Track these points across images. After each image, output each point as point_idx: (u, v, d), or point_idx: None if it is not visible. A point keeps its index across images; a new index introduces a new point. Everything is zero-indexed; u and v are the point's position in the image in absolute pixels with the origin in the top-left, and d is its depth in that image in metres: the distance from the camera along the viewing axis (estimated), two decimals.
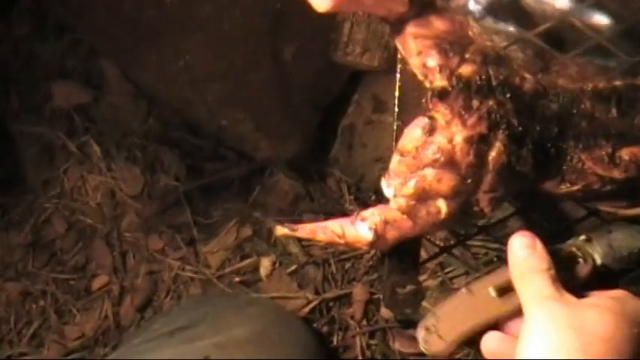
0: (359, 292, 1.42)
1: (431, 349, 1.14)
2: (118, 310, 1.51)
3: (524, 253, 0.74)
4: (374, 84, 1.32)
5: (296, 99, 1.38)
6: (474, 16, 0.94)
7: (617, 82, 0.84)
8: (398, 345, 1.40)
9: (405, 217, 0.79)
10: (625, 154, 0.81)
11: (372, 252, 1.37)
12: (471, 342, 1.21)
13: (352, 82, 1.37)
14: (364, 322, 1.42)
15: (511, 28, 1.01)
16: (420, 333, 1.13)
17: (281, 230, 0.82)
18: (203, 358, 1.16)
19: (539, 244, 0.74)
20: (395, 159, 0.79)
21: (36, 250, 1.54)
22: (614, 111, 0.82)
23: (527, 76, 0.80)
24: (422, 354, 1.37)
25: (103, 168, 1.56)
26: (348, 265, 1.45)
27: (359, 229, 0.79)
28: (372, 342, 1.42)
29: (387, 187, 0.79)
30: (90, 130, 1.58)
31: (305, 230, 0.82)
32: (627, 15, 0.89)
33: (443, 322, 1.11)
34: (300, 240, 1.45)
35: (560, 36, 1.03)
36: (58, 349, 1.49)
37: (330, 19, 1.25)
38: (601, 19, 1.03)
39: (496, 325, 0.85)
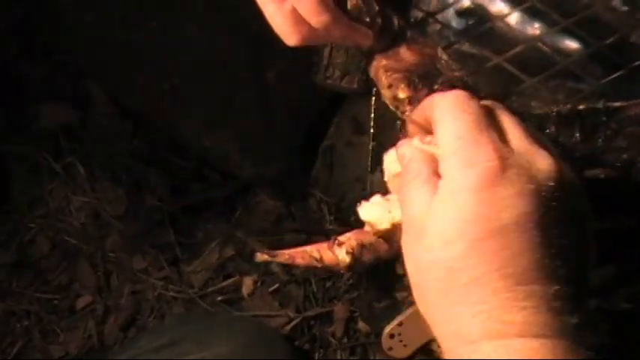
0: (340, 310, 1.44)
1: (395, 355, 1.17)
2: (102, 329, 1.52)
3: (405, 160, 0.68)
4: (354, 106, 1.34)
5: (279, 120, 1.40)
6: (449, 41, 0.97)
7: (581, 107, 0.86)
8: None
9: (381, 240, 0.81)
10: (589, 175, 0.83)
11: (352, 272, 1.39)
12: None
13: (333, 104, 1.39)
14: (345, 340, 1.44)
15: (485, 53, 1.04)
16: (385, 340, 1.16)
17: (261, 257, 0.85)
18: None
19: (418, 151, 0.67)
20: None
21: (20, 270, 1.56)
22: (577, 135, 0.85)
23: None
24: None
25: (88, 188, 1.58)
26: (328, 283, 1.47)
27: (336, 253, 0.82)
28: (353, 359, 1.43)
29: (364, 215, 0.82)
30: (75, 151, 1.59)
31: (284, 256, 0.85)
32: (593, 41, 0.92)
33: (407, 330, 1.14)
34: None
35: (533, 61, 1.06)
36: None
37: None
38: (571, 44, 1.06)
39: None
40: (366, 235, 0.82)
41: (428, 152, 0.67)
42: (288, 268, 1.49)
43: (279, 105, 1.38)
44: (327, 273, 0.82)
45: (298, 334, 1.45)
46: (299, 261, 0.84)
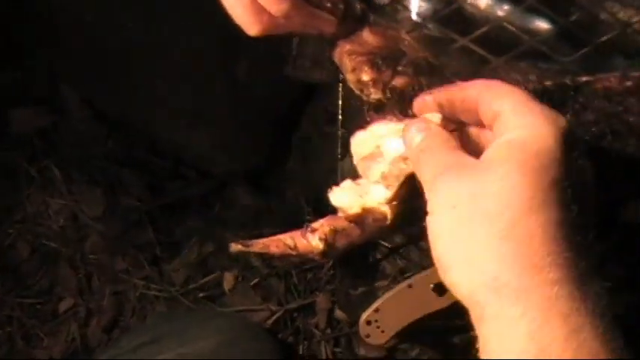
0: (322, 302, 1.44)
1: (373, 341, 1.17)
2: (85, 331, 1.52)
3: (419, 136, 0.69)
4: (326, 96, 1.34)
5: (251, 114, 1.40)
6: (414, 24, 0.97)
7: (548, 83, 0.87)
8: (363, 351, 1.41)
9: (353, 225, 0.81)
10: None
11: (332, 262, 1.39)
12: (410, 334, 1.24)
13: (305, 95, 1.39)
14: (328, 331, 1.44)
15: (451, 35, 1.04)
16: (362, 327, 1.16)
17: (235, 247, 0.85)
18: None
19: (434, 125, 0.70)
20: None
21: (1, 276, 1.55)
22: None
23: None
24: (386, 357, 1.40)
25: (65, 191, 1.58)
26: (309, 275, 1.47)
27: (310, 240, 0.82)
28: (337, 350, 1.43)
29: (334, 200, 0.83)
30: (51, 155, 1.59)
31: (258, 245, 0.85)
32: (561, 19, 0.92)
33: (384, 316, 1.14)
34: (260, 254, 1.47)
35: (502, 41, 1.06)
36: None
37: (281, 35, 1.28)
38: (540, 24, 1.06)
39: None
40: (338, 221, 0.82)
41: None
42: (268, 261, 1.49)
43: (250, 99, 1.38)
44: (303, 261, 0.82)
45: (281, 327, 1.45)
46: (273, 250, 0.84)
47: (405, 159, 0.74)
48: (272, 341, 1.35)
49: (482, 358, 0.58)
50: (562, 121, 0.63)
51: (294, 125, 1.43)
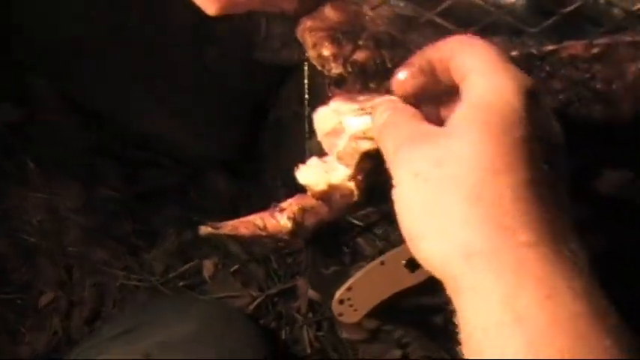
0: (302, 286, 1.44)
1: (346, 319, 1.17)
2: (68, 324, 1.51)
3: (385, 114, 0.68)
4: (297, 78, 1.34)
5: (224, 99, 1.39)
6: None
7: (514, 53, 0.86)
8: (346, 334, 1.41)
9: (320, 202, 0.81)
10: None
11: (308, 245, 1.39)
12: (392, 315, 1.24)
13: (277, 78, 1.38)
14: (310, 315, 1.43)
15: (420, 10, 1.03)
16: (335, 306, 1.16)
17: (205, 230, 0.85)
18: (144, 357, 1.16)
19: (400, 102, 0.69)
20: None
21: None
22: None
23: None
24: (371, 339, 1.40)
25: (42, 185, 1.56)
26: (289, 260, 1.47)
27: (278, 219, 0.82)
28: (320, 334, 1.43)
29: (301, 178, 0.82)
30: (26, 149, 1.57)
31: (228, 227, 0.85)
32: None
33: (356, 294, 1.14)
34: (236, 239, 1.47)
35: (472, 16, 1.06)
36: None
37: (249, 18, 1.27)
38: None
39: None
40: (306, 200, 0.82)
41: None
42: (247, 247, 1.48)
43: (222, 84, 1.37)
44: (275, 242, 0.82)
45: (263, 313, 1.45)
46: (243, 231, 0.84)
47: (359, 138, 0.74)
48: (253, 326, 1.35)
49: (461, 331, 0.57)
50: (528, 80, 0.62)
51: (267, 109, 1.42)
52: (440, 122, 0.64)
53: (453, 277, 0.57)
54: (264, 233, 0.83)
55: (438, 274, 0.59)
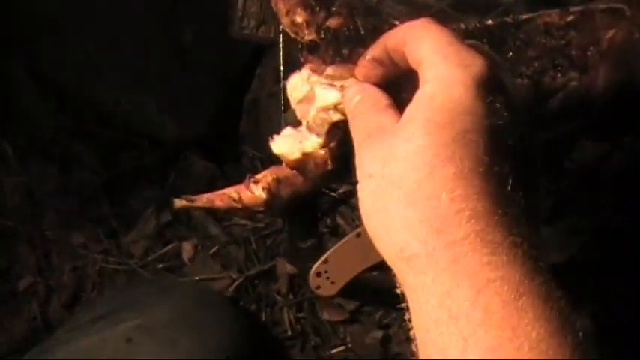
0: (282, 267, 1.43)
1: (323, 292, 1.16)
2: (46, 309, 1.50)
3: (355, 98, 0.68)
4: (274, 56, 1.33)
5: (199, 78, 1.39)
6: None
7: (489, 22, 0.86)
8: (326, 315, 1.40)
9: (295, 173, 0.80)
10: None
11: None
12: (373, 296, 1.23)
13: (253, 57, 1.38)
14: (290, 296, 1.42)
15: None
16: (312, 278, 1.16)
17: (179, 203, 0.84)
18: (126, 339, 1.16)
19: (369, 85, 0.68)
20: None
21: None
22: (486, 48, 0.84)
23: (397, 23, 0.81)
24: (350, 320, 1.40)
25: (18, 168, 1.55)
26: (269, 241, 1.46)
27: (253, 190, 0.81)
28: (300, 315, 1.42)
29: (275, 148, 0.82)
30: (2, 133, 1.56)
31: (202, 200, 0.84)
32: None
33: (333, 267, 1.14)
34: (219, 220, 1.46)
35: None
36: None
37: None
38: None
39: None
40: (281, 171, 0.81)
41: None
42: (227, 229, 1.47)
43: (198, 64, 1.37)
44: (249, 214, 0.81)
45: (243, 295, 1.44)
46: (218, 204, 0.83)
47: (327, 109, 0.73)
48: (231, 308, 1.34)
49: (413, 330, 0.57)
50: (477, 65, 0.60)
51: (244, 88, 1.41)
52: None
53: (401, 277, 0.57)
54: (239, 205, 0.82)
55: (393, 269, 0.58)
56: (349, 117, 0.68)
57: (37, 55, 1.46)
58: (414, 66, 0.63)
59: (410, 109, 0.60)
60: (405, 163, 0.58)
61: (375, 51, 0.68)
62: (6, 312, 1.50)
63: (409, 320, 0.57)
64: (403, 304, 0.59)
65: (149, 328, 1.17)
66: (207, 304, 1.29)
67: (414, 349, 0.57)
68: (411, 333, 0.57)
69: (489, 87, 0.59)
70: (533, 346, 0.51)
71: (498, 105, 0.60)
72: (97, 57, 1.36)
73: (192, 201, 0.84)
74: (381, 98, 0.66)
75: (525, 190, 0.59)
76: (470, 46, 0.63)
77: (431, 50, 0.61)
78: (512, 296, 0.52)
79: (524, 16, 0.87)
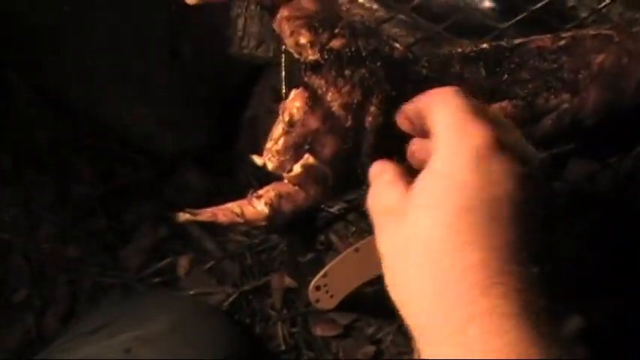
0: (276, 282, 1.44)
1: (322, 306, 1.18)
2: (41, 321, 1.50)
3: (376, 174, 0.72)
4: (273, 74, 1.35)
5: (198, 95, 1.40)
6: None
7: (485, 45, 0.88)
8: (319, 330, 1.41)
9: (296, 188, 0.83)
10: (494, 108, 0.85)
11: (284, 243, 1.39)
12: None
13: (252, 75, 1.39)
14: (285, 311, 1.44)
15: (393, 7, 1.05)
16: (311, 292, 1.18)
17: (183, 216, 0.87)
18: (124, 350, 1.17)
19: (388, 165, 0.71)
20: (279, 132, 0.84)
21: None
22: (482, 71, 0.87)
23: (397, 45, 0.84)
24: (343, 335, 1.41)
25: (15, 180, 1.56)
26: (264, 256, 1.47)
27: (256, 205, 0.83)
28: (294, 330, 1.43)
29: (269, 164, 0.84)
30: None
31: (206, 214, 0.87)
32: None
33: (332, 281, 1.16)
34: (214, 236, 1.47)
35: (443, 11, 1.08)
36: None
37: (225, 16, 1.29)
38: None
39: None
40: (283, 186, 0.84)
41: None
42: (222, 245, 1.49)
43: (197, 80, 1.38)
44: (251, 228, 0.84)
45: (237, 309, 1.45)
46: (221, 218, 0.85)
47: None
48: (228, 320, 1.35)
49: None
50: (480, 136, 0.62)
51: (242, 105, 1.43)
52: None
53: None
54: (241, 220, 0.85)
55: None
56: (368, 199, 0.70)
57: (36, 66, 1.47)
58: (431, 134, 0.66)
59: (417, 191, 0.63)
60: (411, 248, 0.62)
61: (408, 107, 0.73)
62: (0, 324, 1.50)
63: None
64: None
65: (148, 339, 1.18)
66: (204, 316, 1.31)
67: None
68: None
69: (492, 158, 0.61)
70: None
71: (503, 174, 0.61)
72: (96, 70, 1.38)
73: (195, 214, 0.86)
74: (390, 172, 0.69)
75: (540, 255, 0.61)
76: (487, 115, 0.65)
77: (442, 125, 0.64)
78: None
79: (518, 41, 0.90)
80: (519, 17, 0.98)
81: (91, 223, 1.53)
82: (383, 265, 0.65)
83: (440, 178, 0.61)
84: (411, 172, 0.68)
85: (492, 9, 1.12)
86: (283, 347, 1.43)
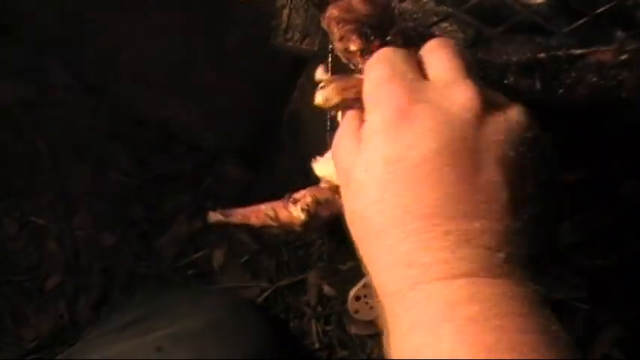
0: (312, 279, 1.42)
1: (361, 317, 1.15)
2: (74, 309, 1.49)
3: None
4: (317, 68, 1.32)
5: (240, 88, 1.37)
6: None
7: (542, 55, 0.84)
8: (354, 329, 1.39)
9: (336, 196, 0.80)
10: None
11: (323, 239, 1.37)
12: None
13: (296, 67, 1.36)
14: (319, 309, 1.42)
15: (448, 7, 1.02)
16: (351, 303, 1.15)
17: (214, 216, 0.84)
18: (156, 349, 1.15)
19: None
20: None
21: None
22: (537, 84, 0.83)
23: None
24: (378, 335, 1.38)
25: (53, 166, 1.54)
26: (301, 252, 1.45)
27: (292, 210, 0.80)
28: (328, 328, 1.41)
29: (318, 170, 0.81)
30: (36, 128, 1.55)
31: (238, 215, 0.84)
32: None
33: (373, 291, 1.13)
34: (248, 229, 1.45)
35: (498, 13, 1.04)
36: (14, 352, 1.47)
37: (271, 7, 1.25)
38: None
39: None
40: (321, 192, 0.81)
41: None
42: (258, 237, 1.46)
43: (240, 72, 1.35)
44: (284, 231, 0.81)
45: (271, 305, 1.43)
46: (254, 220, 0.82)
47: None
48: (263, 317, 1.33)
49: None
50: (476, 100, 0.60)
51: (284, 99, 1.40)
52: None
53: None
54: (275, 224, 0.82)
55: None
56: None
57: (77, 54, 1.45)
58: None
59: (356, 160, 0.63)
60: (352, 224, 0.62)
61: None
62: (33, 309, 1.50)
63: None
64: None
65: (180, 337, 1.17)
66: (238, 313, 1.29)
67: None
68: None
69: (412, 120, 0.59)
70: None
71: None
72: (137, 60, 1.35)
73: (227, 215, 0.84)
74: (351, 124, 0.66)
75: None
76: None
77: (367, 87, 0.65)
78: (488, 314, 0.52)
79: (578, 52, 0.86)
80: (579, 23, 0.94)
81: (127, 212, 1.52)
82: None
83: (365, 155, 0.60)
84: None
85: (542, 4, 1.08)
86: (317, 345, 1.41)
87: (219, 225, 0.85)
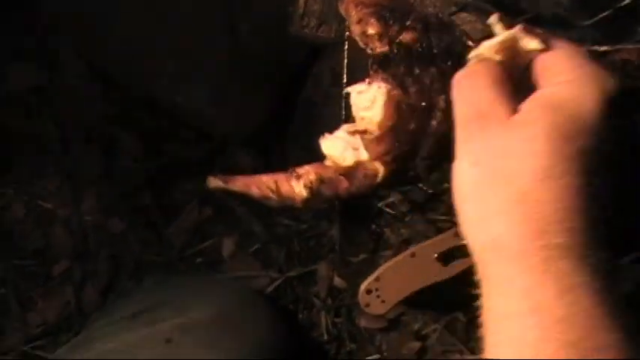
0: (323, 270, 1.40)
1: (372, 311, 1.14)
2: (80, 295, 1.48)
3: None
4: (332, 56, 1.30)
5: (253, 74, 1.35)
6: None
7: None
8: (364, 322, 1.38)
9: (341, 177, 0.79)
10: None
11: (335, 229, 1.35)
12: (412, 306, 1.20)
13: (310, 55, 1.34)
14: (329, 301, 1.40)
15: None
16: (362, 296, 1.13)
17: (214, 182, 0.83)
18: (165, 340, 1.14)
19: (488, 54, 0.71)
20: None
21: None
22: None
23: (471, 43, 0.78)
24: (388, 329, 1.37)
25: (62, 150, 1.53)
26: (312, 242, 1.43)
27: (294, 186, 0.79)
28: (338, 320, 1.40)
29: (326, 147, 0.80)
30: (46, 113, 1.53)
31: (238, 183, 0.83)
32: None
33: (385, 285, 1.11)
34: (261, 218, 1.43)
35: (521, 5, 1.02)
36: (20, 337, 1.47)
37: None
38: None
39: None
40: (326, 170, 0.79)
41: None
42: (269, 228, 1.45)
43: (253, 58, 1.33)
44: (281, 206, 0.80)
45: (281, 295, 1.42)
46: (254, 190, 0.81)
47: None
48: (272, 308, 1.32)
49: (482, 314, 0.61)
50: (611, 83, 0.62)
51: (298, 86, 1.38)
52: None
53: (483, 263, 0.61)
54: (275, 197, 0.80)
55: (474, 257, 0.62)
56: (458, 79, 0.69)
57: (87, 40, 1.43)
58: (538, 65, 0.66)
59: (531, 106, 0.62)
60: (523, 162, 0.60)
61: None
62: (40, 294, 1.49)
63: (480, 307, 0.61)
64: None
65: (189, 328, 1.15)
66: (248, 304, 1.28)
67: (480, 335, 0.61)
68: (480, 320, 0.61)
69: (612, 110, 0.61)
70: (611, 346, 0.56)
71: (611, 130, 0.60)
72: (148, 45, 1.33)
73: (227, 182, 0.82)
74: (497, 69, 0.67)
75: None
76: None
77: (565, 57, 0.64)
78: (593, 301, 0.56)
79: (603, 48, 0.84)
80: (602, 16, 0.92)
81: (136, 199, 1.50)
82: (462, 171, 0.64)
83: (569, 112, 0.60)
84: None
85: None
86: (326, 337, 1.40)
87: (218, 191, 0.84)
